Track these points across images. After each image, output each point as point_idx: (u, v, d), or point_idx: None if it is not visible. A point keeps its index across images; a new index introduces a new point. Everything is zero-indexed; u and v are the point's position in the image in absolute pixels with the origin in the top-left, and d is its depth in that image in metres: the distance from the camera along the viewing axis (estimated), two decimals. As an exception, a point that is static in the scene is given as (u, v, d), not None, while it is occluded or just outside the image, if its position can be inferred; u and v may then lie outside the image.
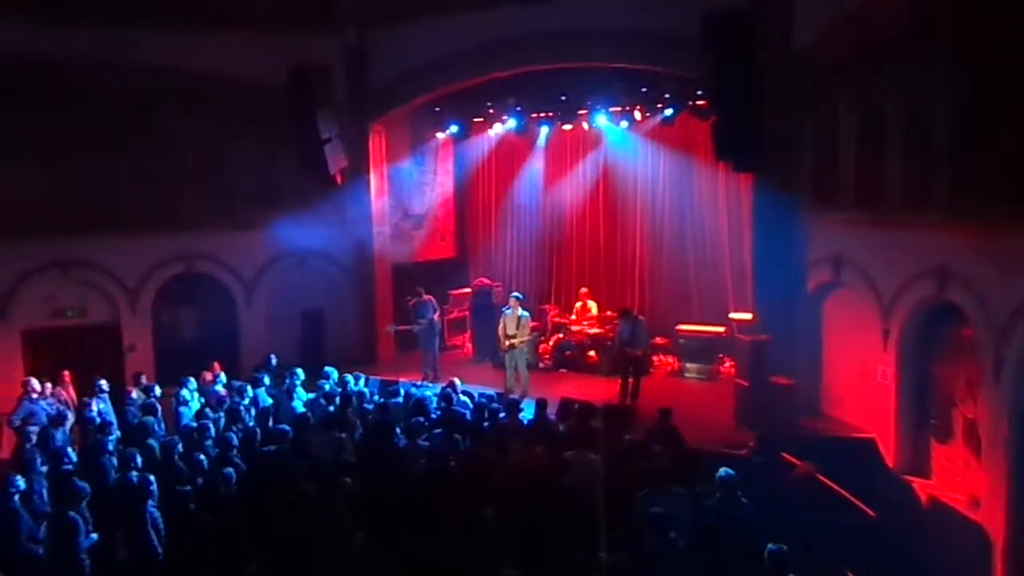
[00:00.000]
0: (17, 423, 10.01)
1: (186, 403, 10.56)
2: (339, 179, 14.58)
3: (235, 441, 8.67)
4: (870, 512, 8.47)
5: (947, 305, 8.70)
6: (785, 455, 9.38)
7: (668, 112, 13.78)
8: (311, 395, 11.02)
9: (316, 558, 6.76)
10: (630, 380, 12.42)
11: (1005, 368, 7.80)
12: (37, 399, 10.48)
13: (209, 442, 8.93)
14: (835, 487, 8.75)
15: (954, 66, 8.07)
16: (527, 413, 9.89)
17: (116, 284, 13.85)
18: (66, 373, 11.72)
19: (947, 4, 8.21)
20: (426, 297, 13.96)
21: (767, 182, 11.43)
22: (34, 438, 9.19)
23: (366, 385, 11.60)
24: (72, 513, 6.92)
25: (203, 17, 13.79)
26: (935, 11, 8.33)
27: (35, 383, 10.65)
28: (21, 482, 7.42)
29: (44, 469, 8.37)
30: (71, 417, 10.38)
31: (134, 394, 10.96)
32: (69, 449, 9.10)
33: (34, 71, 12.60)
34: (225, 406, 10.28)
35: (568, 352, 14.73)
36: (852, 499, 8.59)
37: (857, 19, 9.70)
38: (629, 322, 12.66)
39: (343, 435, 8.99)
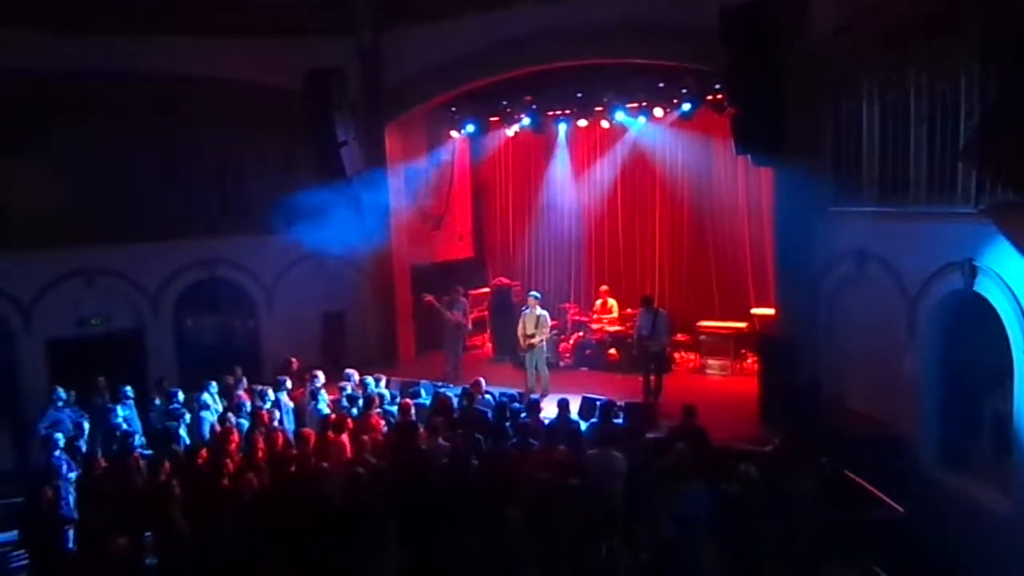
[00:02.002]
0: (43, 431, 10.09)
1: (208, 407, 10.61)
2: (356, 181, 14.57)
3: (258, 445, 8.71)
4: (898, 508, 8.36)
5: (975, 298, 8.55)
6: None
7: (686, 107, 13.66)
8: (332, 397, 11.04)
9: (340, 560, 6.76)
10: (652, 377, 12.34)
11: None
12: (63, 407, 10.56)
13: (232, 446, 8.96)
14: (863, 483, 8.63)
15: (980, 52, 7.92)
16: (548, 412, 9.85)
17: (139, 291, 13.94)
18: (101, 379, 11.69)
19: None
20: (462, 298, 14.04)
21: (788, 176, 11.28)
22: (61, 445, 9.26)
23: (387, 387, 11.60)
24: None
25: (218, 23, 13.87)
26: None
27: (61, 391, 10.73)
28: (48, 489, 7.49)
29: (72, 476, 8.43)
30: (86, 426, 10.39)
31: (157, 400, 11.02)
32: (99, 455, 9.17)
33: (53, 82, 12.67)
34: (247, 410, 10.31)
35: (589, 350, 14.68)
36: (880, 495, 8.47)
37: (877, 7, 9.55)
38: (650, 314, 12.49)
39: (365, 437, 8.99)
